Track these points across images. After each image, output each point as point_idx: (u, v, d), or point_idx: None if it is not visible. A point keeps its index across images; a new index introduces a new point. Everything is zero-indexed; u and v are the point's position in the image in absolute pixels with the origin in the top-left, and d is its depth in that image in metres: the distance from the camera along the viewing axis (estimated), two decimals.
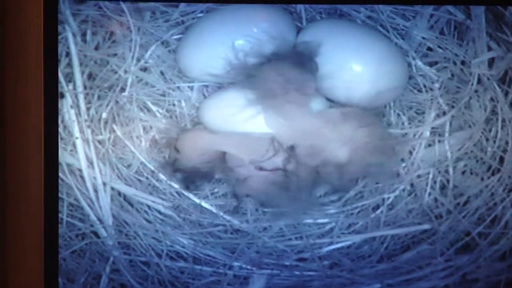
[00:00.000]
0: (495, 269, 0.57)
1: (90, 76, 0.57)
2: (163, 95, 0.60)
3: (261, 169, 0.55)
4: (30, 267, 0.53)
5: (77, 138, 0.56)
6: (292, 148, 0.56)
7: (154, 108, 0.59)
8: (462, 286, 0.57)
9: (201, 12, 0.58)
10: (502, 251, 0.58)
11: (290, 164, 0.55)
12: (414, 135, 0.60)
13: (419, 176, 0.60)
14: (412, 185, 0.60)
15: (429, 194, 0.59)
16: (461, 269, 0.57)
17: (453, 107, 0.59)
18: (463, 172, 0.60)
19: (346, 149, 0.55)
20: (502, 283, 0.57)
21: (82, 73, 0.56)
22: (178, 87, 0.60)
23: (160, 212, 0.59)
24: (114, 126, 0.58)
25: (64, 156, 0.56)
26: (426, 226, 0.59)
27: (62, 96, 0.56)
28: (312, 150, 0.55)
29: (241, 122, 0.56)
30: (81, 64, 0.56)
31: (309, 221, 0.60)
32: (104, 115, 0.58)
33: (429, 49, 0.59)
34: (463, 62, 0.59)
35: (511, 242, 0.58)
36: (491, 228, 0.58)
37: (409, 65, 0.59)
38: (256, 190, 0.57)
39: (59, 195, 0.55)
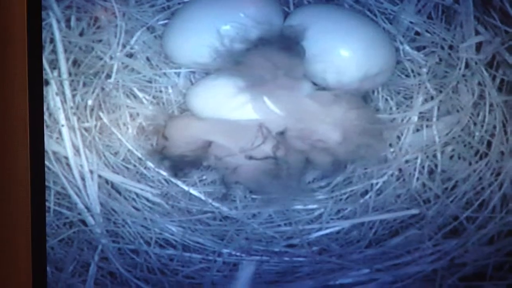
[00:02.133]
0: (483, 253, 0.57)
1: (75, 63, 0.57)
2: (150, 82, 0.59)
3: (251, 158, 0.55)
4: (18, 256, 0.53)
5: (63, 125, 0.56)
6: (281, 134, 0.56)
7: (140, 94, 0.59)
8: (450, 271, 0.57)
9: None
10: (489, 235, 0.58)
11: (279, 150, 0.55)
12: (402, 120, 0.60)
13: (407, 161, 0.60)
14: (400, 170, 0.60)
15: (417, 179, 0.59)
16: (449, 254, 0.58)
17: (441, 91, 0.59)
18: (451, 157, 0.60)
19: (335, 131, 0.54)
20: (490, 267, 0.57)
21: (67, 59, 0.56)
22: (165, 74, 0.59)
23: (148, 200, 0.59)
24: (101, 113, 0.58)
25: (50, 144, 0.56)
26: (414, 211, 0.59)
27: (47, 83, 0.55)
28: (301, 133, 0.55)
29: (229, 109, 0.56)
30: (65, 51, 0.56)
31: (298, 207, 0.60)
32: (90, 102, 0.57)
33: (417, 33, 0.59)
34: (450, 47, 0.59)
35: (498, 226, 0.58)
36: (479, 212, 0.58)
37: (397, 49, 0.59)
38: (246, 179, 0.57)
39: (46, 183, 0.54)
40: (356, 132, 0.55)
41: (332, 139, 0.55)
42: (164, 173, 0.59)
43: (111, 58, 0.57)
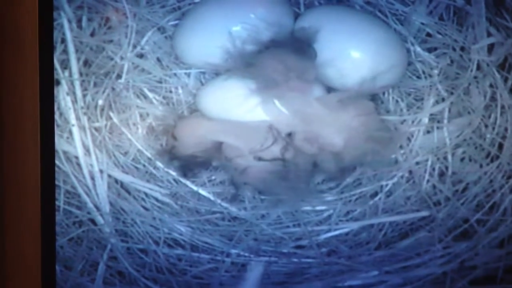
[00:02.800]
0: (493, 256, 0.57)
1: (86, 63, 0.57)
2: (160, 82, 0.59)
3: (260, 159, 0.55)
4: (27, 255, 0.53)
5: (73, 125, 0.56)
6: (290, 136, 0.56)
7: (150, 95, 0.59)
8: (460, 273, 0.57)
9: None
10: (500, 238, 0.58)
11: (288, 152, 0.55)
12: (413, 122, 0.59)
13: (417, 163, 0.59)
14: (410, 172, 0.60)
15: (428, 181, 0.59)
16: (459, 256, 0.57)
17: (452, 93, 0.59)
18: (462, 159, 0.59)
19: (343, 135, 0.54)
20: (500, 270, 0.57)
21: (78, 59, 0.56)
22: (175, 74, 0.60)
23: (157, 200, 0.59)
24: (111, 113, 0.58)
25: (60, 144, 0.56)
26: (424, 213, 0.59)
27: (58, 83, 0.56)
28: (310, 136, 0.55)
29: (238, 109, 0.56)
30: (77, 51, 0.56)
31: (307, 208, 0.60)
32: (100, 102, 0.57)
33: (428, 35, 0.59)
34: (462, 48, 0.58)
35: (509, 229, 0.58)
36: (490, 215, 0.58)
37: (408, 51, 0.58)
38: (255, 180, 0.57)
39: (56, 182, 0.55)
40: (365, 137, 0.55)
41: (340, 143, 0.54)
42: (174, 173, 0.59)
43: (121, 58, 0.57)
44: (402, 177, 0.60)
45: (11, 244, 0.53)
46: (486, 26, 0.57)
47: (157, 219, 0.58)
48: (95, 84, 0.57)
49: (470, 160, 0.59)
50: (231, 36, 0.54)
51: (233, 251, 0.58)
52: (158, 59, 0.59)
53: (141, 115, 0.59)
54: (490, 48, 0.57)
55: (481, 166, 0.59)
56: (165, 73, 0.59)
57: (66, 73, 0.56)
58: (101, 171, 0.57)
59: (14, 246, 0.53)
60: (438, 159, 0.59)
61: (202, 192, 0.59)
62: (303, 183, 0.56)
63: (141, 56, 0.59)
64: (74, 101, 0.56)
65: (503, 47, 0.57)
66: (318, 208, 0.60)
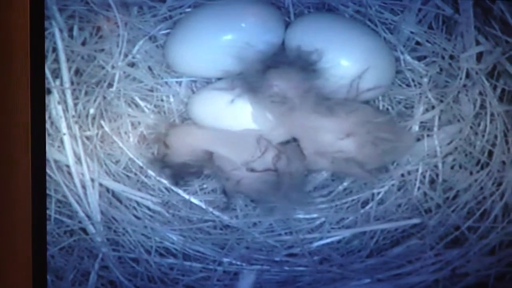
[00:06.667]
0: (485, 263, 0.57)
1: (77, 72, 0.57)
2: (151, 91, 0.59)
3: (252, 170, 0.55)
4: (18, 264, 0.53)
5: (64, 134, 0.56)
6: (281, 144, 0.56)
7: (142, 103, 0.59)
8: (452, 281, 0.57)
9: (189, 7, 0.58)
10: (491, 245, 0.58)
11: (280, 162, 0.55)
12: None
13: (408, 172, 0.60)
14: (402, 175, 0.60)
15: (419, 188, 0.59)
16: (450, 264, 0.57)
17: (441, 101, 0.59)
18: (452, 167, 0.60)
19: (349, 141, 0.54)
20: (491, 277, 0.57)
21: (69, 68, 0.56)
22: (166, 83, 0.60)
23: (149, 208, 0.59)
24: (102, 122, 0.58)
25: (51, 153, 0.56)
26: (415, 221, 0.59)
27: (49, 92, 0.55)
28: (320, 148, 0.55)
29: (229, 118, 0.56)
30: (68, 60, 0.56)
31: (299, 216, 0.60)
32: (91, 111, 0.57)
33: (418, 43, 0.59)
34: (451, 57, 0.59)
35: (500, 236, 0.58)
36: (481, 222, 0.58)
37: (398, 59, 0.59)
38: (249, 190, 0.57)
39: (47, 191, 0.54)
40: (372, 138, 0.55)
41: (349, 150, 0.54)
42: (165, 182, 0.59)
43: (113, 67, 0.57)
44: (393, 185, 0.60)
45: (2, 253, 0.52)
46: (474, 34, 0.57)
47: (149, 228, 0.58)
48: (86, 93, 0.57)
49: (460, 167, 0.60)
50: (222, 47, 0.55)
51: (225, 259, 0.58)
52: (150, 68, 0.59)
53: (132, 124, 0.59)
54: (479, 56, 0.58)
55: (471, 173, 0.59)
56: (157, 82, 0.59)
57: (58, 82, 0.56)
58: (92, 180, 0.57)
59: (5, 255, 0.53)
60: (428, 166, 0.59)
61: (194, 200, 0.59)
62: (295, 192, 0.56)
63: (132, 65, 0.59)
64: (66, 110, 0.56)
65: (492, 56, 0.57)
66: (310, 216, 0.60)
